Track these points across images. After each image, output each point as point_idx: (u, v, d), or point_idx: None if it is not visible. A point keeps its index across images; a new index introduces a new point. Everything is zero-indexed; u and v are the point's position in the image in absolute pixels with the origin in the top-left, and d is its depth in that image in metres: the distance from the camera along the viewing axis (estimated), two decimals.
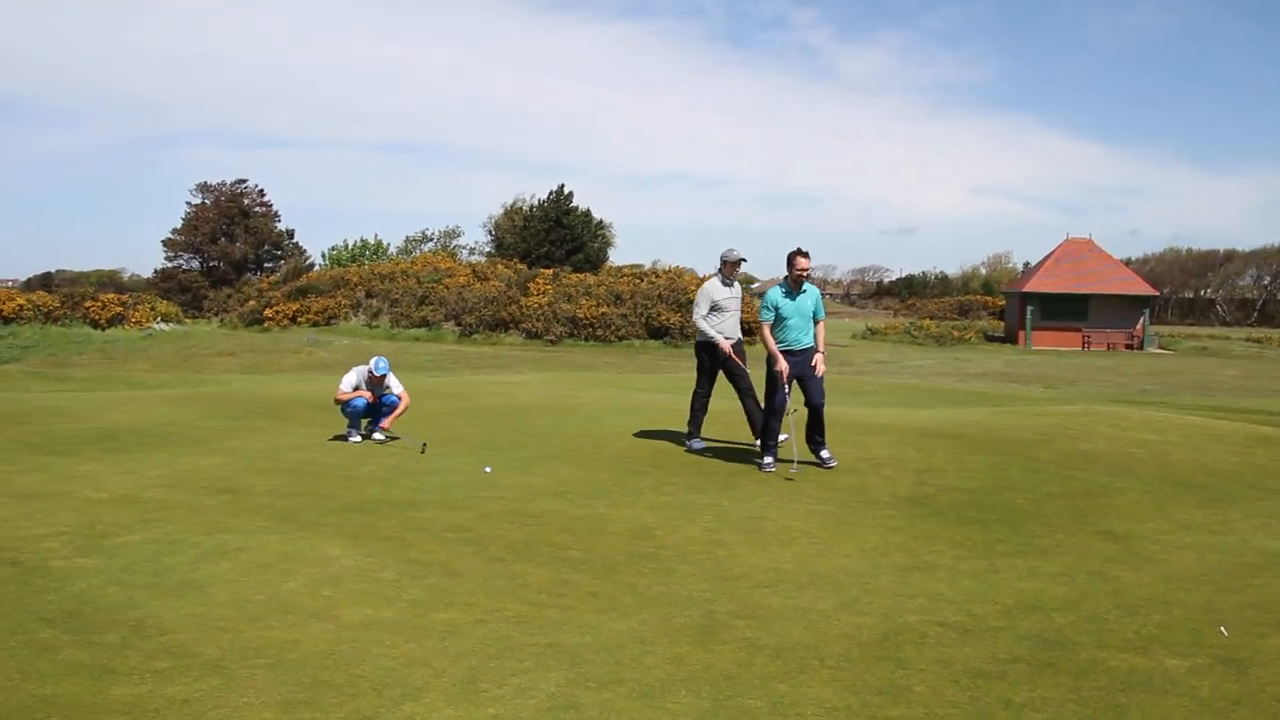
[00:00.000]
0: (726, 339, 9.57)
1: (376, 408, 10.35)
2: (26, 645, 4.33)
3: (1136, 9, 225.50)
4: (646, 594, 5.39)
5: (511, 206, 77.94)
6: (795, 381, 9.01)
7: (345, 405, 10.20)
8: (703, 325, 9.62)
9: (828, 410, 9.16)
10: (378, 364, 10.19)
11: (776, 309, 8.95)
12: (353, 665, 4.19)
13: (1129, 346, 52.22)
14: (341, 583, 5.37)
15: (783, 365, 8.81)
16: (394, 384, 10.41)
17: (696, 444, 9.72)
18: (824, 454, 8.99)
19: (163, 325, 41.32)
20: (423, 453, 9.55)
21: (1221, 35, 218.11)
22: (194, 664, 4.17)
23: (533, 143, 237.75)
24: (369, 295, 49.70)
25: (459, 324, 46.88)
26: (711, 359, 9.71)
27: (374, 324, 47.60)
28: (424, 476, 8.44)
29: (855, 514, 7.34)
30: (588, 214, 72.32)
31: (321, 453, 9.59)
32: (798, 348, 8.97)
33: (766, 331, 9.01)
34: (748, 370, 9.64)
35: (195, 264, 71.72)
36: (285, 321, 48.41)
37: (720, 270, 9.72)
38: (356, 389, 10.23)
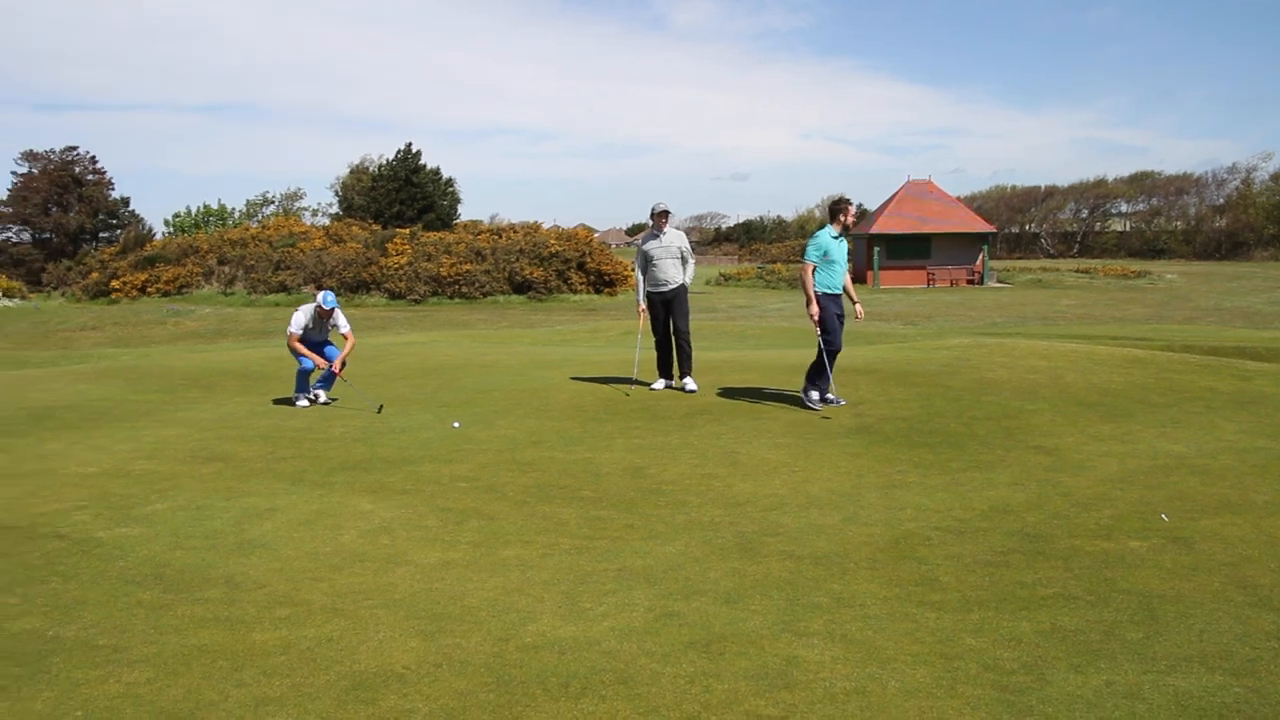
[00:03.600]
0: (660, 287, 10.39)
1: (324, 368, 10.50)
2: (139, 605, 4.60)
3: None
4: (674, 522, 5.97)
5: (358, 166, 76.21)
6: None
7: (299, 358, 10.37)
8: (635, 281, 10.50)
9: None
10: (325, 298, 10.37)
11: (825, 252, 9.59)
12: (458, 599, 4.63)
13: (970, 282, 55.17)
14: (394, 532, 5.76)
15: (814, 309, 9.58)
16: (341, 320, 10.61)
17: (658, 384, 10.67)
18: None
19: (7, 301, 39.04)
20: (380, 412, 9.83)
21: None
22: (311, 609, 4.53)
23: (357, 100, 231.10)
24: (221, 262, 48.10)
25: (319, 287, 45.90)
26: (653, 308, 10.45)
27: (229, 291, 46.17)
28: (398, 434, 8.76)
29: (817, 445, 8.07)
30: (436, 172, 71.49)
31: (280, 418, 9.74)
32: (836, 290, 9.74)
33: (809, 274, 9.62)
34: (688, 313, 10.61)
35: (26, 236, 67.65)
36: (134, 292, 46.49)
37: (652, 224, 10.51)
38: (306, 329, 10.42)
